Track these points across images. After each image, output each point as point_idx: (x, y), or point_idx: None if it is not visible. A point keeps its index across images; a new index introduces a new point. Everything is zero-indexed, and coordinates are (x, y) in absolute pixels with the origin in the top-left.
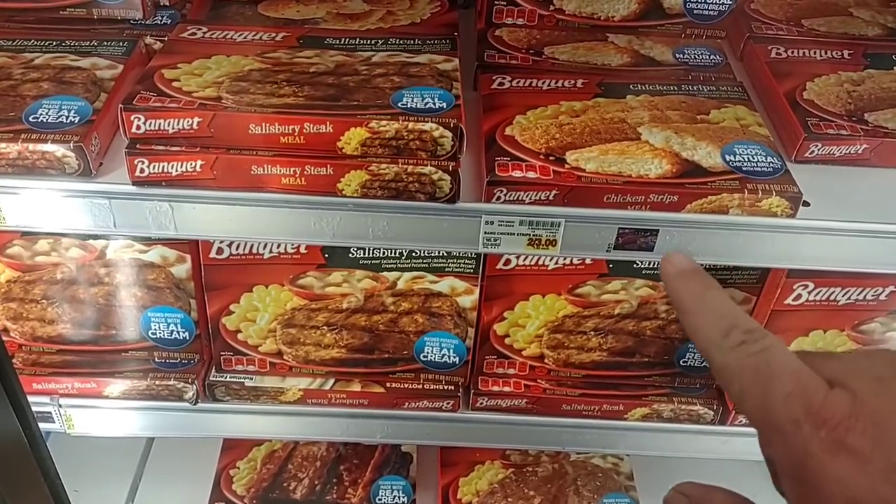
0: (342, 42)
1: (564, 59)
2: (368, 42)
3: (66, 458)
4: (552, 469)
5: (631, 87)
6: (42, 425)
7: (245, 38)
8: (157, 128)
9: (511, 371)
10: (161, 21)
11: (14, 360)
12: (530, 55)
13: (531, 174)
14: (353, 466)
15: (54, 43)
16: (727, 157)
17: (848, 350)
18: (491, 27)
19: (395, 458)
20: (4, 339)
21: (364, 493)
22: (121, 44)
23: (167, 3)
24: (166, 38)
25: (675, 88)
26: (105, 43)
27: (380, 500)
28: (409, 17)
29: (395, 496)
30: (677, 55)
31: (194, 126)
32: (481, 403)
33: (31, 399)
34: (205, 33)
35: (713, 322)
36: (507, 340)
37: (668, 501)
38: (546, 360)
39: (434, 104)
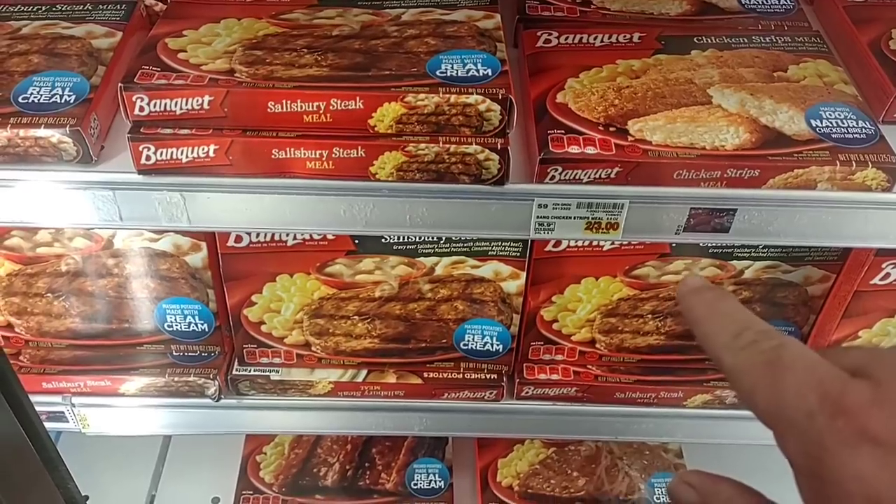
0: None
1: (616, 8)
2: None
3: (83, 452)
4: (595, 447)
5: (695, 40)
6: (55, 425)
7: None
8: (162, 108)
9: (559, 357)
10: None
11: (20, 357)
12: (577, 6)
13: (590, 149)
14: (385, 449)
15: (44, 8)
16: (813, 123)
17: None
18: None
19: (430, 439)
20: (9, 335)
21: (398, 478)
22: (118, 7)
23: None
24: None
25: (746, 41)
26: (100, 6)
27: (415, 485)
28: None
29: (430, 480)
30: (744, 1)
31: (205, 105)
32: (527, 392)
33: (41, 399)
34: None
35: (724, 326)
36: (555, 326)
37: (673, 490)
38: (597, 346)
39: (478, 71)
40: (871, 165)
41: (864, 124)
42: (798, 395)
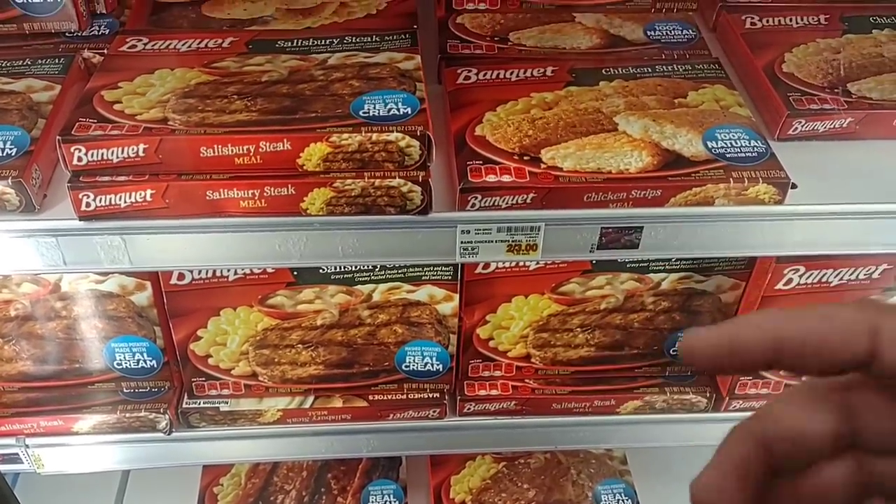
0: (295, 44)
1: (531, 44)
2: (323, 42)
3: (43, 492)
4: (544, 459)
5: (603, 71)
6: (10, 467)
7: (190, 46)
8: (100, 158)
9: (497, 373)
10: (98, 31)
11: None
12: (495, 43)
13: (506, 177)
14: (340, 474)
15: None
16: (709, 144)
17: None
18: (452, 13)
19: (384, 460)
20: None
21: (354, 501)
22: (57, 61)
23: (104, 12)
24: (105, 53)
25: (650, 70)
26: (39, 61)
27: None
28: (365, 7)
29: (385, 501)
30: (649, 32)
31: (140, 153)
32: (469, 409)
33: None
34: (146, 45)
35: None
36: (491, 343)
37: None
38: (533, 360)
39: (398, 110)
40: (762, 181)
41: (755, 143)
42: None
